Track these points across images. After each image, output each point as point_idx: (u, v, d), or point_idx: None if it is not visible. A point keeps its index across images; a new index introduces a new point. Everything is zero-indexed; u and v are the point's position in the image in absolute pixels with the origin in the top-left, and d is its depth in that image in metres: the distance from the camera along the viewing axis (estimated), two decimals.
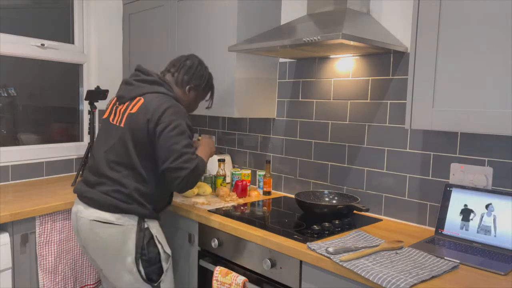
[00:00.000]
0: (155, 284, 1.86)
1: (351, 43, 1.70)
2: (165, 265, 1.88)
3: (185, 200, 2.25)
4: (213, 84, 2.12)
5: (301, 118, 2.42)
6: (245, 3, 2.27)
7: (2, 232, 2.01)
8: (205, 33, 2.44)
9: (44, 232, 2.13)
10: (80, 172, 2.64)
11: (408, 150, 1.97)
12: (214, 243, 1.97)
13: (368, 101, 2.11)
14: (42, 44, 2.76)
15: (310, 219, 1.96)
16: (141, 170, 1.80)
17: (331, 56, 2.24)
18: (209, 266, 2.00)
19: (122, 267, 1.82)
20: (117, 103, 1.92)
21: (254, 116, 2.44)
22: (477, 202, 1.69)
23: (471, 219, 1.69)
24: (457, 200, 1.74)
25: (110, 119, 1.90)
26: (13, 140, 2.74)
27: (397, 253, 1.55)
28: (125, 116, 1.83)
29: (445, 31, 1.52)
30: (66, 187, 2.53)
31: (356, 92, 2.16)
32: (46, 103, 2.95)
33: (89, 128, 2.76)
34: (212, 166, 2.64)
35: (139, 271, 1.81)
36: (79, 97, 3.07)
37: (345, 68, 2.20)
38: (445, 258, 1.50)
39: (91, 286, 2.36)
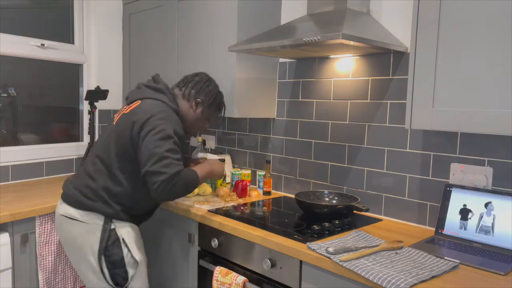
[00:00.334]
0: None
1: (351, 43, 1.70)
2: (130, 271, 1.82)
3: (185, 200, 2.25)
4: (223, 103, 2.06)
5: (301, 118, 2.42)
6: (245, 3, 2.27)
7: (2, 232, 2.01)
8: (205, 33, 2.44)
9: (44, 232, 2.13)
10: None
11: (408, 150, 1.97)
12: (214, 243, 1.97)
13: (368, 101, 2.11)
14: (42, 44, 2.76)
15: (310, 219, 1.96)
16: (115, 170, 1.78)
17: (331, 56, 2.24)
18: (209, 266, 2.00)
19: (86, 265, 1.80)
20: (125, 104, 1.96)
21: (254, 116, 2.44)
22: (477, 202, 1.69)
23: (471, 219, 1.69)
24: (457, 200, 1.74)
25: (114, 118, 1.94)
26: (13, 140, 2.74)
27: (397, 253, 1.55)
28: (119, 115, 1.87)
29: (445, 31, 1.52)
30: None
31: (356, 92, 2.15)
32: (46, 103, 2.95)
33: (89, 128, 2.77)
34: None
35: (103, 272, 1.77)
36: (79, 97, 3.07)
37: (345, 68, 2.20)
38: (445, 258, 1.50)
39: None
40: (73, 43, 2.98)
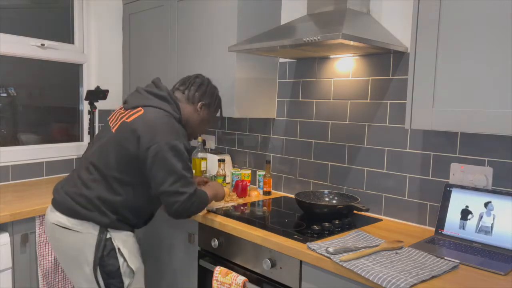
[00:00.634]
0: None
1: (351, 43, 1.70)
2: (126, 280, 1.76)
3: None
4: (221, 105, 2.05)
5: (301, 118, 2.42)
6: (245, 3, 2.27)
7: (2, 232, 2.01)
8: (205, 33, 2.44)
9: (44, 232, 2.13)
10: None
11: (408, 150, 1.97)
12: (214, 243, 1.97)
13: (368, 101, 2.11)
14: (42, 44, 2.76)
15: (310, 219, 1.96)
16: (113, 180, 1.71)
17: (331, 56, 2.24)
18: (209, 266, 2.00)
19: (80, 275, 1.74)
20: (122, 108, 1.86)
21: (254, 116, 2.44)
22: (477, 202, 1.69)
23: (471, 219, 1.69)
24: (457, 200, 1.74)
25: (110, 122, 1.85)
26: (13, 140, 2.74)
27: (397, 253, 1.55)
28: (119, 123, 1.77)
29: (445, 31, 1.52)
30: None
31: (356, 92, 2.15)
32: (46, 103, 2.95)
33: (89, 128, 2.77)
34: (212, 166, 2.64)
35: (97, 282, 1.72)
36: (79, 97, 3.07)
37: (345, 68, 2.20)
38: (445, 258, 1.50)
39: None
40: (73, 43, 2.98)
